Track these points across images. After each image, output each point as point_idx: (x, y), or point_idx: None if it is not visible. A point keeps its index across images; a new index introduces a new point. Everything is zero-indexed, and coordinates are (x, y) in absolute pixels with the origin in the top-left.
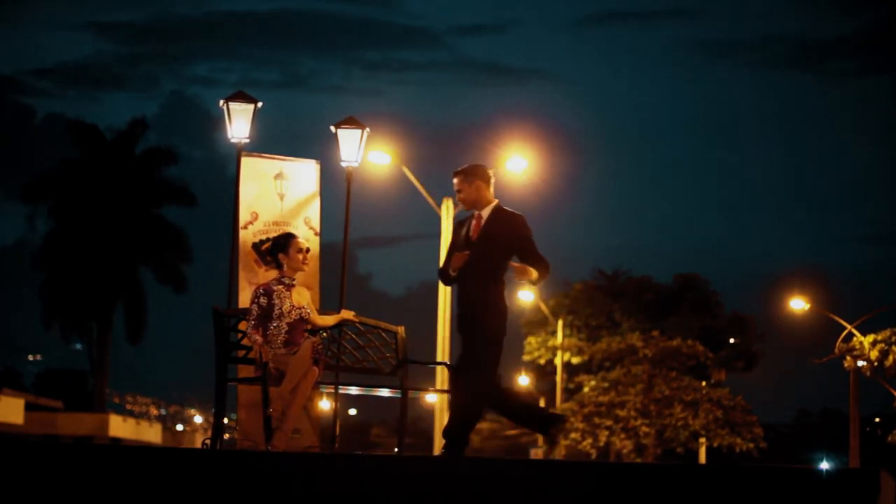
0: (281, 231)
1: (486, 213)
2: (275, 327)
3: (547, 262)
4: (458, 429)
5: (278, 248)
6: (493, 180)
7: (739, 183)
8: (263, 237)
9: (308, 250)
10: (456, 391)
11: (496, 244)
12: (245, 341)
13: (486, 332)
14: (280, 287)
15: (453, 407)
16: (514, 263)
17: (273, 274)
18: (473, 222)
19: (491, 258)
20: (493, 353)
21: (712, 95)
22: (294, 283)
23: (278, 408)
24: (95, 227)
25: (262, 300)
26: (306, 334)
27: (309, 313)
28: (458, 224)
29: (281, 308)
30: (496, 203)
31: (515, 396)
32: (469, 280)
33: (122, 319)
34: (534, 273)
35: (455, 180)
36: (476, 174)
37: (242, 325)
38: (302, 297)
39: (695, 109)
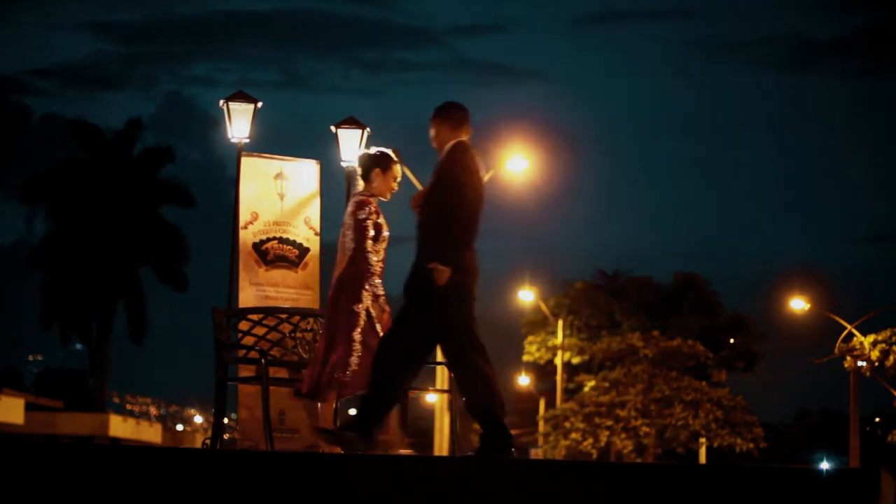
0: (281, 231)
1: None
2: (376, 250)
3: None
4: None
5: (377, 162)
6: (464, 119)
7: (740, 183)
8: (263, 237)
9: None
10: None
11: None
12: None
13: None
14: (377, 206)
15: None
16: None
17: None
18: None
19: (437, 204)
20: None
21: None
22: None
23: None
24: (95, 227)
25: (375, 216)
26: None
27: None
28: None
29: (379, 229)
30: (454, 142)
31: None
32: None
33: (123, 319)
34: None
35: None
36: (439, 114)
37: (243, 325)
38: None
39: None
